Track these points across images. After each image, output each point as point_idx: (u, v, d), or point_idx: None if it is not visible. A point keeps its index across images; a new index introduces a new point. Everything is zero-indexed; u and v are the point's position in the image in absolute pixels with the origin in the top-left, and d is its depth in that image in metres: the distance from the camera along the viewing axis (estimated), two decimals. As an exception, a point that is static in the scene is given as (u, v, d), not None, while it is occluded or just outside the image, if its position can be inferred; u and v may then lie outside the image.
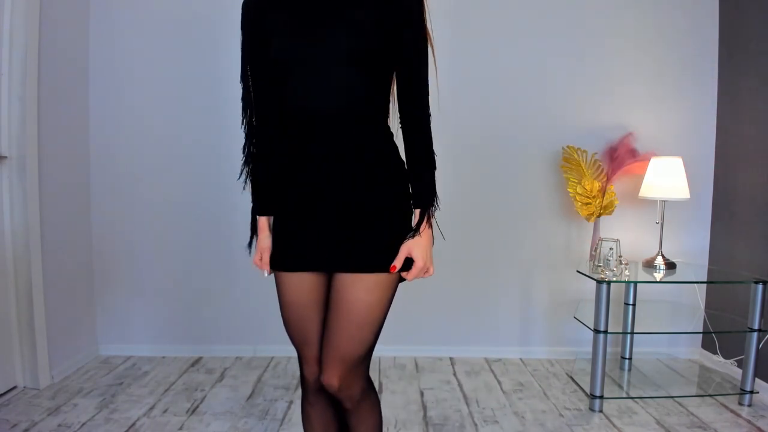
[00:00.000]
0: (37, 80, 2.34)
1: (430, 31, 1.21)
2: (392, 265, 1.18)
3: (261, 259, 1.33)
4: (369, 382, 1.29)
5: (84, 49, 2.73)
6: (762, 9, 2.54)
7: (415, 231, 1.20)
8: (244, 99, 1.29)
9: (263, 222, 1.34)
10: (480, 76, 2.84)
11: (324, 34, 1.16)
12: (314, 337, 1.25)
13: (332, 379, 1.20)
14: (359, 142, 1.19)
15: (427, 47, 1.20)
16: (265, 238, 1.32)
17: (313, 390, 1.30)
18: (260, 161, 1.30)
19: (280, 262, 1.27)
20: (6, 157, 2.29)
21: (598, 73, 2.85)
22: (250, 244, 1.37)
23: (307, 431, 1.36)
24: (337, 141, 1.18)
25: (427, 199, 1.22)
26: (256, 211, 1.35)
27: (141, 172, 2.82)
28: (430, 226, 1.22)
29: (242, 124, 1.31)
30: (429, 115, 1.23)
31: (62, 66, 2.56)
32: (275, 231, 1.30)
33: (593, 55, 2.84)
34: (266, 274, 1.34)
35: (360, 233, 1.19)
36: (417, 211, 1.22)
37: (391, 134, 1.27)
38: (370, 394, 1.30)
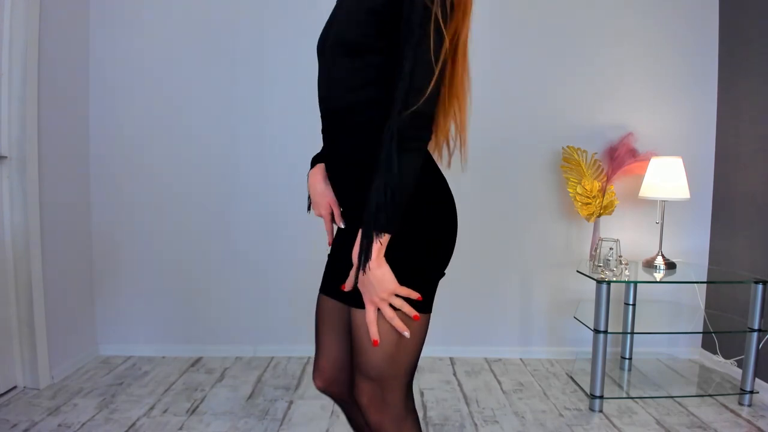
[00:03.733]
0: (37, 80, 2.34)
1: (436, 7, 0.92)
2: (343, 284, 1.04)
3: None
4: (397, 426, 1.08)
5: (84, 49, 2.73)
6: (762, 9, 2.54)
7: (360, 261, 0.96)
8: None
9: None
10: (479, 76, 2.83)
11: (331, 23, 1.12)
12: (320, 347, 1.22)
13: (359, 397, 1.08)
14: (355, 143, 1.05)
15: (424, 22, 0.91)
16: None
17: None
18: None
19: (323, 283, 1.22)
20: (6, 157, 2.29)
21: (598, 73, 2.85)
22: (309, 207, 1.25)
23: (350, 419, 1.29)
24: (337, 141, 1.09)
25: (368, 218, 0.93)
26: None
27: (141, 172, 2.82)
28: (377, 256, 0.94)
29: None
30: (407, 102, 0.91)
31: (62, 66, 2.56)
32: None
33: (593, 55, 2.84)
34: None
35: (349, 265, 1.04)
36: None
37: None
38: None
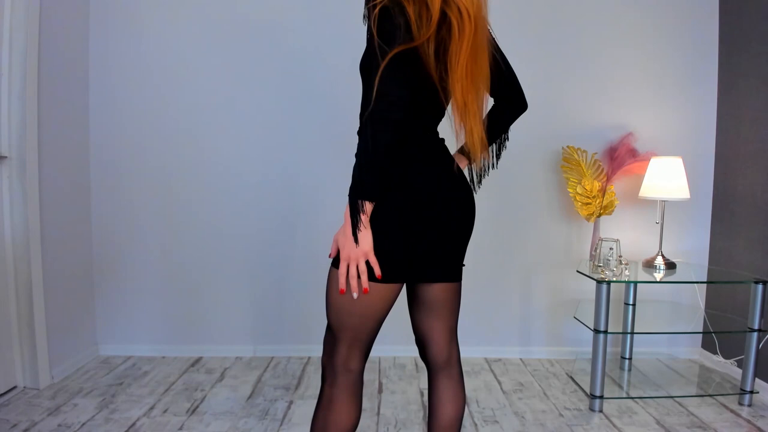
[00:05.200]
0: (37, 80, 2.34)
1: (375, 31, 1.10)
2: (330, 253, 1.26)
3: None
4: (324, 378, 1.28)
5: (84, 49, 2.73)
6: (762, 9, 2.54)
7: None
8: None
9: None
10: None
11: None
12: None
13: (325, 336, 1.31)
14: None
15: (373, 48, 1.11)
16: None
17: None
18: None
19: None
20: (6, 157, 2.29)
21: (598, 73, 2.85)
22: None
23: None
24: None
25: (351, 187, 1.17)
26: None
27: (141, 171, 2.82)
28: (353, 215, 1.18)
29: None
30: (368, 110, 1.11)
31: (62, 66, 2.56)
32: None
33: (593, 55, 2.84)
34: None
35: None
36: None
37: (411, 143, 1.22)
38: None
